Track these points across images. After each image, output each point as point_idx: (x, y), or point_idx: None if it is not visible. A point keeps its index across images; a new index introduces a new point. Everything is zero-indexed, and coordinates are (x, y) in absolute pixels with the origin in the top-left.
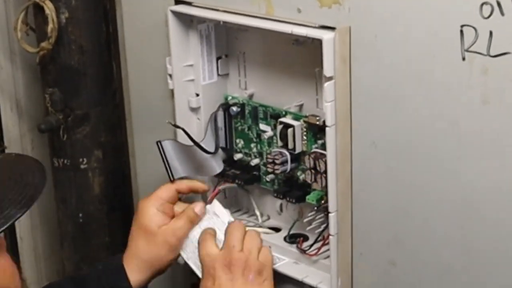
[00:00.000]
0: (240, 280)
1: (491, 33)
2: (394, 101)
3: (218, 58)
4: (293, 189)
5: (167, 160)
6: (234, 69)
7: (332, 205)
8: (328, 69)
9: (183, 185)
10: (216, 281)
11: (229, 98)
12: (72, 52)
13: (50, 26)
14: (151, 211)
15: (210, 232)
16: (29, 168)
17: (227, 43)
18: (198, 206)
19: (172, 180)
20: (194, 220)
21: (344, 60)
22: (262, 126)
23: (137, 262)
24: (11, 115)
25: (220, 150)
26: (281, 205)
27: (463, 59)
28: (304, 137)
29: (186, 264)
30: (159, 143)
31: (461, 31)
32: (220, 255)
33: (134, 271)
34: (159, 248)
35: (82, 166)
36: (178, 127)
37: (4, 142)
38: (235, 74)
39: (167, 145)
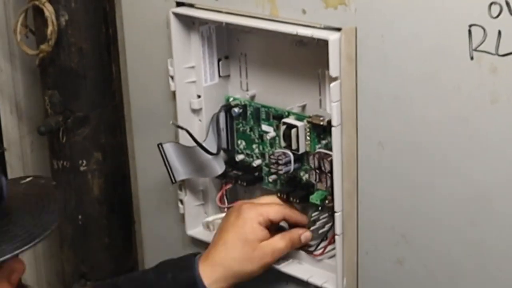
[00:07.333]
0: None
1: (499, 32)
2: (401, 101)
3: (219, 60)
4: (296, 189)
5: (168, 163)
6: (235, 70)
7: (337, 204)
8: (334, 70)
9: (292, 215)
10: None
11: (231, 99)
12: (71, 54)
13: (50, 28)
14: (256, 224)
15: None
16: (50, 203)
17: (228, 44)
18: (305, 235)
19: (173, 182)
20: (296, 246)
21: (350, 61)
22: (264, 127)
23: (224, 271)
24: (11, 117)
25: (221, 152)
26: None
27: (471, 58)
28: (308, 138)
29: None
30: (160, 146)
31: (469, 31)
32: None
33: (219, 280)
34: (253, 263)
35: (81, 168)
36: (182, 128)
37: (3, 144)
38: (237, 75)
39: (168, 148)
